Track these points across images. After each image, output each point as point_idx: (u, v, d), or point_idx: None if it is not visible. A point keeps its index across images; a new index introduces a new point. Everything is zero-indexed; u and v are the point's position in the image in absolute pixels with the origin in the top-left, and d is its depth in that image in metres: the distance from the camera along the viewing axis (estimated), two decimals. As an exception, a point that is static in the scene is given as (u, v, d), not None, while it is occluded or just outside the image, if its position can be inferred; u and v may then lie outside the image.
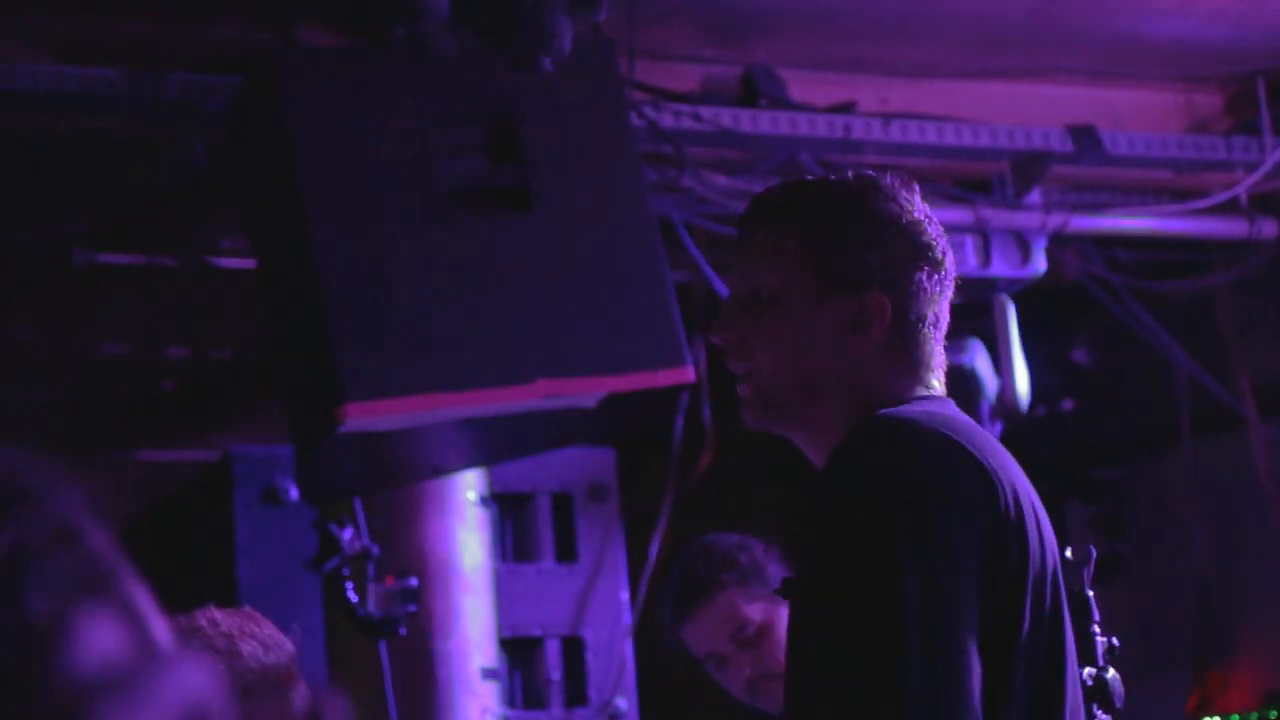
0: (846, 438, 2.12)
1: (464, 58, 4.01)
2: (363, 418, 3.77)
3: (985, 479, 2.07)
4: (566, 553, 5.02)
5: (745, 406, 2.24)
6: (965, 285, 4.51)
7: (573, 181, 3.96)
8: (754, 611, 3.48)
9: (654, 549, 4.98)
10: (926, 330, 2.21)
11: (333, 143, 3.89)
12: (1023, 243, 4.76)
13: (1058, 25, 4.70)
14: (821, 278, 2.20)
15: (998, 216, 4.79)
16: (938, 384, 2.23)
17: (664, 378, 3.92)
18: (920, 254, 2.21)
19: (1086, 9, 4.63)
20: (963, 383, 4.77)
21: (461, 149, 3.96)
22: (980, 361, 4.92)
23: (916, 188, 2.26)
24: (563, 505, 5.04)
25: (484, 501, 4.60)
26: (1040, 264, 4.84)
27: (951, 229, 4.46)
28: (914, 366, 2.21)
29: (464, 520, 4.53)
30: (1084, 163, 4.76)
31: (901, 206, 2.23)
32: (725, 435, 4.98)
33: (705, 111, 4.60)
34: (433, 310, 3.82)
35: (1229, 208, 4.86)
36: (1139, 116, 4.93)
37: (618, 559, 5.07)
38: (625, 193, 4.01)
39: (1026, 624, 2.05)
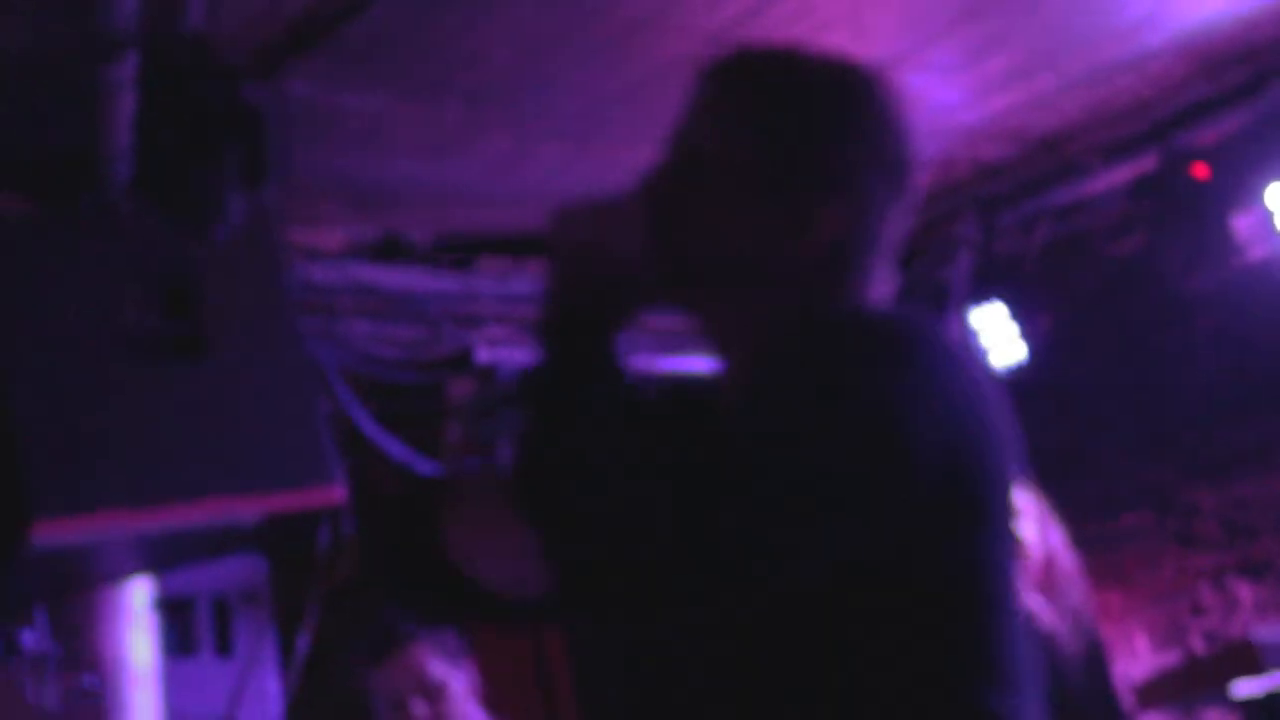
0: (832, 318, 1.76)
1: (143, 222, 4.21)
2: (51, 533, 3.90)
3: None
4: (224, 648, 5.17)
5: (659, 279, 1.81)
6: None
7: (239, 331, 4.23)
8: (436, 667, 3.76)
9: (301, 645, 4.99)
10: (870, 255, 1.83)
11: (24, 295, 4.06)
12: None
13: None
14: (774, 166, 1.80)
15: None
16: None
17: (315, 497, 4.19)
18: (888, 168, 1.82)
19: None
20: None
21: (140, 303, 4.14)
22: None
23: (899, 92, 1.85)
24: (221, 607, 5.19)
25: (153, 605, 4.80)
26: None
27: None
28: (846, 291, 1.82)
29: (136, 623, 4.74)
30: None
31: (883, 107, 1.84)
32: (365, 543, 5.06)
33: (350, 268, 4.89)
34: (113, 439, 4.01)
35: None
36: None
37: (269, 654, 5.18)
38: (284, 339, 4.31)
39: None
